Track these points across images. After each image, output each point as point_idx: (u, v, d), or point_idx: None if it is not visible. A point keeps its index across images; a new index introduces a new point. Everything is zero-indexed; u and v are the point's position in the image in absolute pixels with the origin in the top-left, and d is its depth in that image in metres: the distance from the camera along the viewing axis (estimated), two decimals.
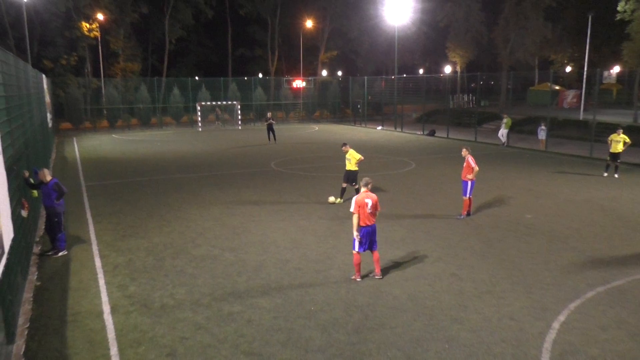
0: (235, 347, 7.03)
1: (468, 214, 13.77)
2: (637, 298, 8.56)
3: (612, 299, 8.55)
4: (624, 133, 19.27)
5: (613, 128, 20.10)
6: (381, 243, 11.35)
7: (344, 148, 15.31)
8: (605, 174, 19.49)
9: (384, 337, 7.30)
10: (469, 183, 13.38)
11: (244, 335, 7.37)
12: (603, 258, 10.53)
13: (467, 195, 13.54)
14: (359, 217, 8.96)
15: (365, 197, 9.05)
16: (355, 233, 9.01)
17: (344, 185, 15.35)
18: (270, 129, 31.25)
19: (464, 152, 13.66)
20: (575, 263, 10.24)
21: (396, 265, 10.13)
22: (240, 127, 43.40)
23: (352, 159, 14.99)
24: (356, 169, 15.08)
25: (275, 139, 31.17)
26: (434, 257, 10.62)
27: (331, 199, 15.34)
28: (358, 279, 9.30)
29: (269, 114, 32.72)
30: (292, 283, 9.26)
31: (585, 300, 8.50)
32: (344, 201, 15.27)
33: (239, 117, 44.12)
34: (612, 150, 19.26)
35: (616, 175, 19.33)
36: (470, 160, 13.40)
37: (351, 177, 15.15)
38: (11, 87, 9.96)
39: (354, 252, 9.23)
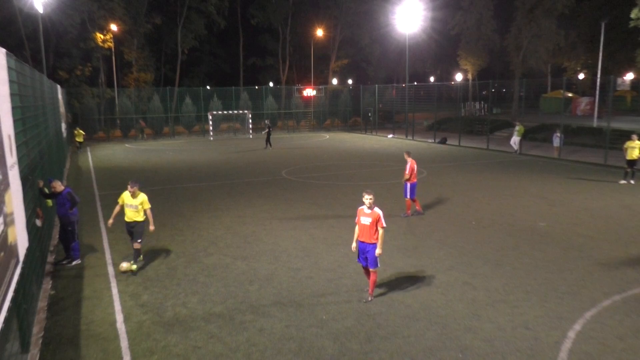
0: (248, 356, 7.02)
1: (420, 213, 14.68)
2: None
3: (629, 307, 8.41)
4: (638, 139, 19.07)
5: (627, 135, 19.88)
6: (393, 252, 11.34)
7: (130, 188, 10.59)
8: (623, 182, 19.26)
9: (396, 346, 7.24)
10: (409, 185, 14.30)
11: (256, 344, 7.36)
12: (619, 266, 10.38)
13: (408, 197, 14.37)
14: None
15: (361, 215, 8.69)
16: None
17: (138, 245, 10.52)
18: (268, 135, 33.20)
19: (405, 155, 14.50)
20: (591, 271, 10.10)
21: (408, 273, 10.07)
22: (251, 136, 43.61)
23: (140, 207, 10.55)
24: (143, 219, 10.65)
25: (270, 144, 33.03)
26: (447, 265, 10.55)
27: (124, 265, 10.41)
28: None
29: (266, 121, 35.14)
30: (303, 292, 9.23)
31: (602, 309, 8.38)
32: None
33: (250, 126, 44.37)
34: (628, 157, 19.05)
35: (632, 182, 19.10)
36: (408, 165, 14.18)
37: (138, 231, 10.50)
38: (27, 98, 10.10)
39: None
